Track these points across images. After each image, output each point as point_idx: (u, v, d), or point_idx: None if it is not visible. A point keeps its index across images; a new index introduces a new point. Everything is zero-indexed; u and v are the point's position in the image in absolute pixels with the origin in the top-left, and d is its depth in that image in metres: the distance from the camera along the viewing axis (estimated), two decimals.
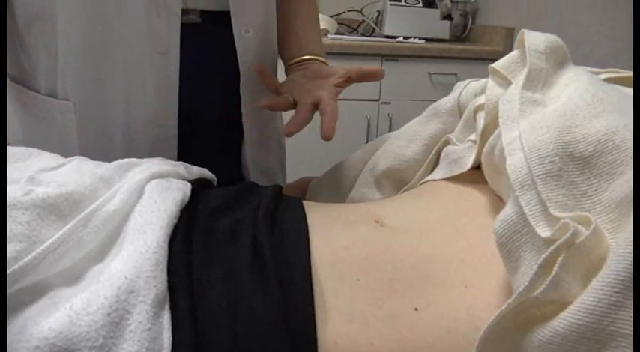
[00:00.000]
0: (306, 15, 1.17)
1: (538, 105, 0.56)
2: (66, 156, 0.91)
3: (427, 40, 2.93)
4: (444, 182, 0.73)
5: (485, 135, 0.67)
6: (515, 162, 0.50)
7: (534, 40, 0.67)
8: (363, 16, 3.26)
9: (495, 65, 0.71)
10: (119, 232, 0.57)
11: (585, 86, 0.56)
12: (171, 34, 0.92)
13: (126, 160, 0.72)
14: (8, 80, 1.00)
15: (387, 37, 2.97)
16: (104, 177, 0.65)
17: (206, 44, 0.99)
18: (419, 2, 3.02)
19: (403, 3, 3.01)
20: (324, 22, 2.87)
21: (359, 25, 3.25)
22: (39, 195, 0.54)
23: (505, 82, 0.68)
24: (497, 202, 0.63)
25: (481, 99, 0.72)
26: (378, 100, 2.72)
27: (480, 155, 0.69)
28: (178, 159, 0.98)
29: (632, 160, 0.45)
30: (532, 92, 0.58)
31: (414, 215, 0.65)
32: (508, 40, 2.75)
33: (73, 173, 0.67)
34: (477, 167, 0.72)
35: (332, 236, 0.60)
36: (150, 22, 0.90)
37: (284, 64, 1.13)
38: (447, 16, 3.04)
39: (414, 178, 0.84)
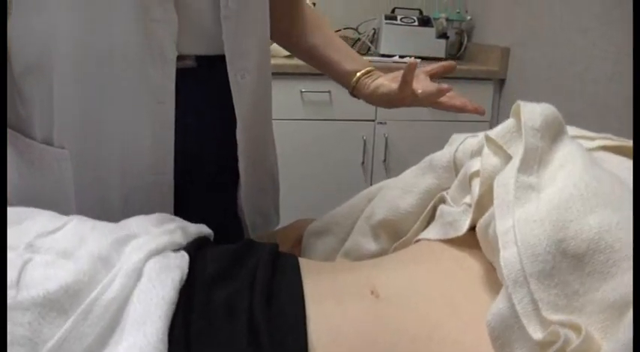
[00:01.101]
0: (333, 35, 1.24)
1: (533, 190, 0.56)
2: (62, 205, 0.92)
3: (423, 58, 2.93)
4: (440, 244, 0.74)
5: (480, 205, 0.67)
6: (508, 257, 0.51)
7: (530, 114, 0.67)
8: (359, 33, 3.27)
9: (491, 134, 0.72)
10: (118, 321, 0.58)
11: (580, 173, 0.56)
12: (167, 83, 0.92)
13: (124, 232, 0.72)
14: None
15: (383, 55, 2.99)
16: (102, 256, 0.65)
17: (202, 89, 1.00)
18: (414, 21, 3.03)
19: (399, 22, 3.02)
20: None
21: (355, 43, 3.25)
22: (39, 292, 0.54)
23: (500, 151, 0.69)
24: (491, 271, 0.64)
25: (476, 164, 0.72)
26: (374, 120, 2.72)
27: (474, 220, 0.69)
28: (175, 203, 0.99)
29: (624, 261, 0.46)
30: (527, 175, 0.59)
31: (410, 286, 0.65)
32: (504, 60, 2.76)
33: (72, 239, 0.68)
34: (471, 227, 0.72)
35: (328, 313, 0.60)
36: (145, 70, 0.90)
37: (346, 79, 1.17)
38: (443, 35, 3.04)
39: (410, 232, 0.85)
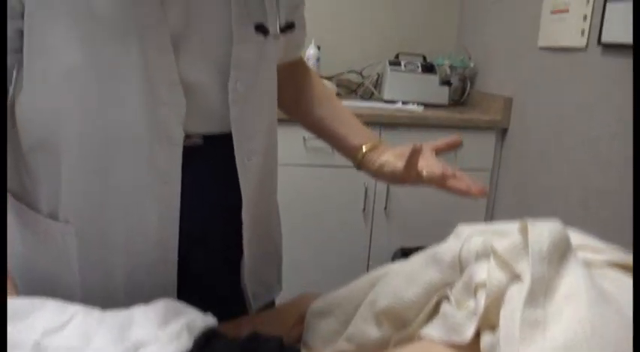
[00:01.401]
0: (341, 107, 1.24)
1: (539, 326, 0.57)
2: (66, 277, 0.93)
3: (426, 105, 2.96)
4: (443, 349, 0.74)
5: (485, 318, 0.67)
6: None
7: (538, 237, 0.67)
8: (363, 77, 3.30)
9: (498, 248, 0.72)
10: None
11: (585, 312, 0.57)
12: (173, 164, 0.93)
13: (131, 342, 0.72)
14: (9, 195, 1.01)
15: (387, 101, 3.00)
16: None
17: (208, 167, 1.00)
18: (418, 67, 3.06)
19: (403, 68, 3.05)
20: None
21: (358, 87, 3.28)
22: None
23: (507, 266, 0.69)
24: None
25: (482, 273, 0.72)
26: None
27: (479, 329, 0.69)
28: (178, 278, 0.99)
29: None
30: (534, 308, 0.59)
31: None
32: (506, 110, 2.77)
33: (78, 337, 0.68)
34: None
35: None
36: (151, 151, 0.91)
37: (352, 154, 1.17)
38: (446, 82, 3.07)
39: (414, 325, 0.84)
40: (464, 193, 1.01)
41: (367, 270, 2.86)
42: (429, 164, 1.04)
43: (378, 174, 1.12)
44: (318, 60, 3.08)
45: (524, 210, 2.68)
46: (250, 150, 1.01)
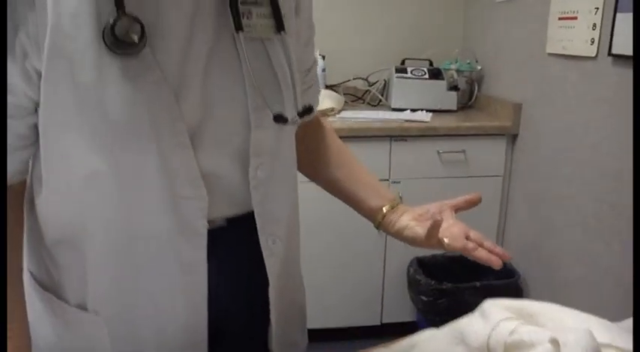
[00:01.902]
0: (360, 166, 1.22)
1: None
2: None
3: (434, 111, 2.94)
4: None
5: None
6: None
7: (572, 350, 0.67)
8: (369, 84, 3.28)
9: None
10: None
11: None
12: (198, 255, 0.93)
13: None
14: (37, 285, 1.00)
15: (395, 109, 2.99)
16: None
17: (232, 249, 1.00)
18: (425, 73, 3.04)
19: (409, 75, 3.03)
20: (331, 99, 2.89)
21: (364, 95, 3.26)
22: None
23: None
24: None
25: None
26: (387, 180, 2.73)
27: None
28: None
29: None
30: None
31: None
32: (516, 116, 2.75)
33: None
34: None
35: None
36: (176, 245, 0.91)
37: (371, 215, 1.17)
38: (454, 87, 3.05)
39: None
40: (485, 262, 1.00)
41: (383, 281, 2.88)
42: (451, 232, 1.04)
43: (398, 236, 1.12)
44: (323, 70, 3.06)
45: (536, 219, 2.67)
46: (273, 233, 1.00)
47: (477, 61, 3.19)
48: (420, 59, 3.25)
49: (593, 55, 2.23)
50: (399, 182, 2.74)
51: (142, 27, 0.80)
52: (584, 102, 2.31)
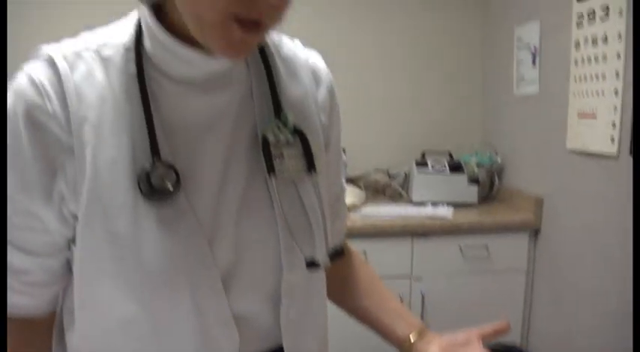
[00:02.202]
0: (387, 293, 1.21)
1: None
2: None
3: (455, 205, 2.94)
4: None
5: None
6: None
7: None
8: (390, 177, 3.29)
9: None
10: None
11: None
12: None
13: None
14: None
15: (416, 203, 2.99)
16: None
17: None
18: (445, 167, 3.05)
19: (430, 169, 3.04)
20: (353, 195, 2.89)
21: (385, 188, 3.27)
22: None
23: None
24: None
25: None
26: (410, 277, 2.70)
27: None
28: None
29: None
30: None
31: None
32: (538, 210, 2.74)
33: None
34: None
35: None
36: None
37: (398, 343, 1.13)
38: (474, 181, 3.05)
39: None
40: None
41: None
42: None
43: None
44: (345, 165, 3.07)
45: (562, 315, 2.62)
46: None
47: (496, 153, 3.20)
48: (440, 151, 3.26)
49: (615, 153, 2.23)
50: (420, 278, 2.71)
51: (177, 174, 0.82)
52: (607, 200, 2.30)
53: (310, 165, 0.94)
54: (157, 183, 0.80)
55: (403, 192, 3.18)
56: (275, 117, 0.93)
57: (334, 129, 1.06)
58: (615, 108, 2.22)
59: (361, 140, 3.28)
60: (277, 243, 0.91)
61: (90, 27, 0.90)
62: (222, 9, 0.73)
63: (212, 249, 0.85)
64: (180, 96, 0.86)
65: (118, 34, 0.87)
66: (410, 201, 3.06)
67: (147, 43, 0.85)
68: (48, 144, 0.80)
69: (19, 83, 0.81)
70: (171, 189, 0.81)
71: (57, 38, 0.88)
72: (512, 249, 2.78)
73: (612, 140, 2.25)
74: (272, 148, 0.90)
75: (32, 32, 2.95)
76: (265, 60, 0.95)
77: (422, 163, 3.09)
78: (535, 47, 2.82)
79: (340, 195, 1.15)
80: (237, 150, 0.89)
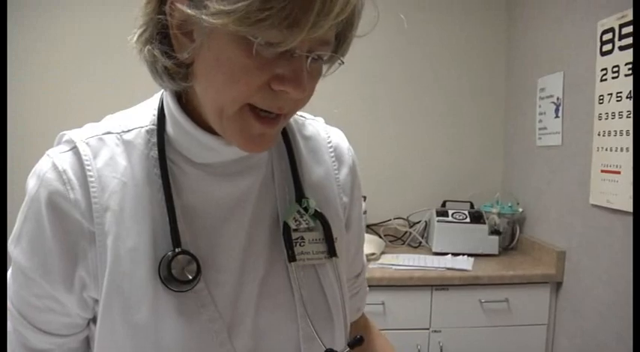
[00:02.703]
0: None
1: None
2: None
3: (475, 256, 2.91)
4: None
5: None
6: None
7: None
8: (410, 224, 3.27)
9: None
10: None
11: None
12: None
13: None
14: None
15: (436, 253, 2.97)
16: None
17: None
18: (466, 217, 3.03)
19: (450, 218, 3.02)
20: (372, 244, 2.88)
21: (404, 235, 3.25)
22: None
23: None
24: None
25: None
26: (428, 329, 2.66)
27: None
28: None
29: None
30: None
31: None
32: (560, 264, 2.70)
33: None
34: None
35: None
36: None
37: None
38: (495, 231, 3.02)
39: None
40: None
41: None
42: None
43: None
44: (364, 212, 3.07)
45: None
46: None
47: (517, 204, 3.18)
48: (461, 201, 3.24)
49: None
50: (439, 331, 2.67)
51: (198, 264, 0.82)
52: (630, 255, 2.26)
53: (331, 249, 0.94)
54: (178, 272, 0.80)
55: (423, 241, 3.16)
56: (296, 203, 0.93)
57: (355, 207, 1.06)
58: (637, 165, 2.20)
59: (382, 187, 3.28)
60: (296, 331, 0.90)
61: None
62: (243, 102, 0.74)
63: (230, 338, 0.84)
64: (201, 182, 0.86)
65: (140, 117, 0.89)
66: (430, 251, 3.03)
67: (169, 127, 0.86)
68: (70, 232, 0.80)
69: (42, 168, 0.83)
70: (190, 278, 0.81)
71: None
72: (534, 302, 2.74)
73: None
74: (293, 232, 0.90)
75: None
76: (287, 140, 0.96)
77: (442, 212, 3.08)
78: (559, 98, 2.81)
79: (361, 272, 1.14)
80: (256, 235, 0.89)
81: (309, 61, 0.73)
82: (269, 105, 0.75)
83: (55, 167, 0.81)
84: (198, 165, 0.86)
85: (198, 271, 0.81)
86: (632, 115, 2.19)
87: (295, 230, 0.91)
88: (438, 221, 3.01)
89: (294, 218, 0.91)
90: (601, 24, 2.44)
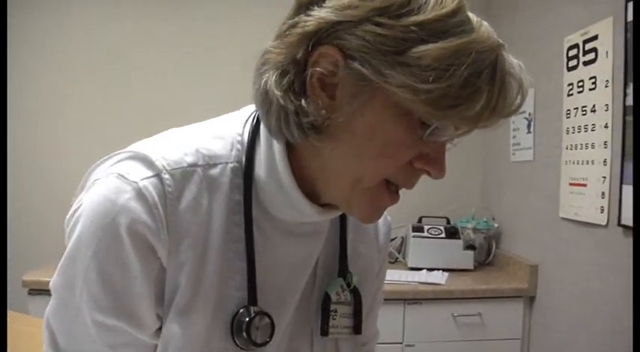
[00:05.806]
0: None
1: None
2: None
3: (451, 270, 2.92)
4: None
5: None
6: None
7: None
8: None
9: None
10: None
11: None
12: None
13: None
14: None
15: (411, 268, 2.98)
16: None
17: None
18: (442, 232, 3.05)
19: (426, 234, 3.04)
20: None
21: None
22: None
23: None
24: None
25: None
26: (401, 343, 2.67)
27: None
28: None
29: None
30: None
31: None
32: (532, 278, 2.72)
33: None
34: None
35: None
36: None
37: None
38: (470, 246, 3.04)
39: None
40: None
41: None
42: None
43: None
44: None
45: None
46: None
47: (493, 219, 3.20)
48: (437, 217, 3.26)
49: (604, 223, 2.22)
50: (412, 345, 2.68)
51: (273, 327, 0.79)
52: (600, 270, 2.27)
53: (357, 326, 0.92)
54: (255, 334, 0.77)
55: (399, 256, 3.18)
56: (340, 277, 0.90)
57: (380, 275, 1.06)
58: (604, 178, 2.23)
59: None
60: None
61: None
62: (384, 176, 0.72)
63: None
64: (277, 238, 0.81)
65: (224, 146, 0.79)
66: (406, 266, 3.04)
67: (261, 173, 0.77)
68: (154, 269, 0.73)
69: (117, 191, 0.72)
70: (267, 341, 0.78)
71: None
72: (507, 317, 2.75)
73: (602, 210, 2.24)
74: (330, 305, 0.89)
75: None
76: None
77: (418, 228, 3.09)
78: (530, 114, 2.85)
79: (372, 337, 1.11)
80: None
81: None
82: (404, 182, 0.73)
83: (142, 196, 0.71)
84: (274, 219, 0.80)
85: (271, 334, 0.78)
86: (622, 124, 2.21)
87: (333, 302, 0.89)
88: (413, 236, 3.03)
89: (337, 291, 0.89)
90: (567, 40, 2.48)
